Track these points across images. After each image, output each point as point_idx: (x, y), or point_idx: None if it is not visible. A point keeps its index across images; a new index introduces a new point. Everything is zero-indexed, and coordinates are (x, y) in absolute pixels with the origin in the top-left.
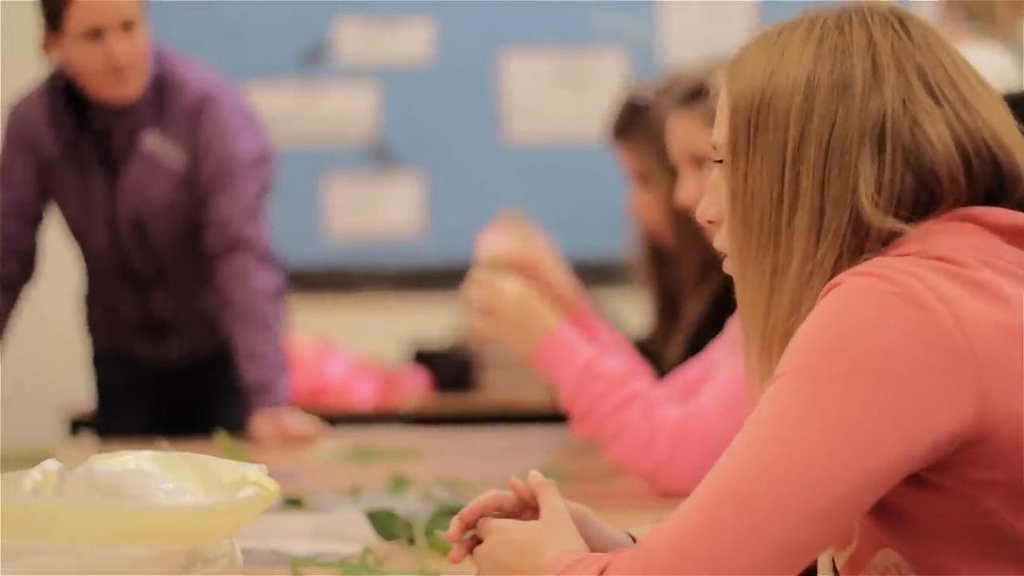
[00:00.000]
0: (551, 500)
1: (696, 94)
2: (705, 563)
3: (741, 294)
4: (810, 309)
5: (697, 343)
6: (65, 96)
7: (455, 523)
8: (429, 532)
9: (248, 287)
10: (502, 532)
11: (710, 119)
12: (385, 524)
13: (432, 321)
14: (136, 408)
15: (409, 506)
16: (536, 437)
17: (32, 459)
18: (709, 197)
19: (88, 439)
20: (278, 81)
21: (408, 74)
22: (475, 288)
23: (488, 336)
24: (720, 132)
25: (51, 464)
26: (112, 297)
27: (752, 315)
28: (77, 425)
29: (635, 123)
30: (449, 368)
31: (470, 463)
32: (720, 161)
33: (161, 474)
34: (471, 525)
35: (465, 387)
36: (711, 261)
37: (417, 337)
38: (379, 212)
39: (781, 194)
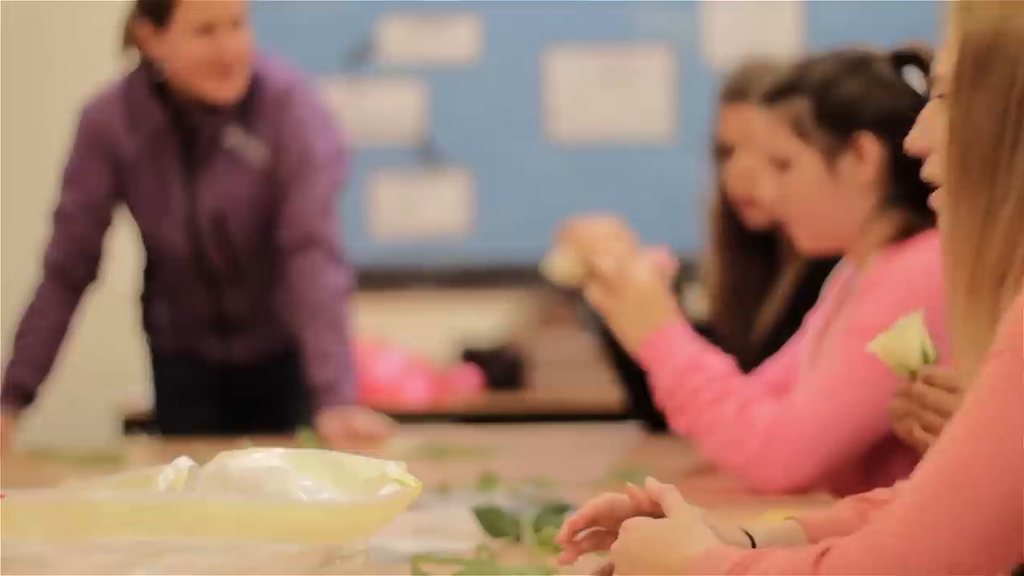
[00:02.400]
0: (677, 500)
1: (780, 93)
2: (931, 547)
3: (951, 231)
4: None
5: (773, 341)
6: (146, 95)
7: (566, 527)
8: (538, 529)
9: (319, 285)
10: (637, 528)
11: (793, 122)
12: (493, 521)
13: (480, 320)
14: (198, 407)
15: (502, 503)
16: (603, 435)
17: (103, 460)
18: (920, 127)
19: (147, 439)
20: (324, 80)
21: (453, 73)
22: (607, 261)
23: (602, 310)
24: (945, 65)
25: (183, 461)
26: (183, 297)
27: (961, 253)
28: (130, 425)
29: (751, 91)
30: (499, 367)
31: (545, 461)
32: (940, 96)
33: (297, 471)
34: (581, 529)
35: (515, 385)
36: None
37: (465, 336)
38: (425, 211)
39: (1002, 134)
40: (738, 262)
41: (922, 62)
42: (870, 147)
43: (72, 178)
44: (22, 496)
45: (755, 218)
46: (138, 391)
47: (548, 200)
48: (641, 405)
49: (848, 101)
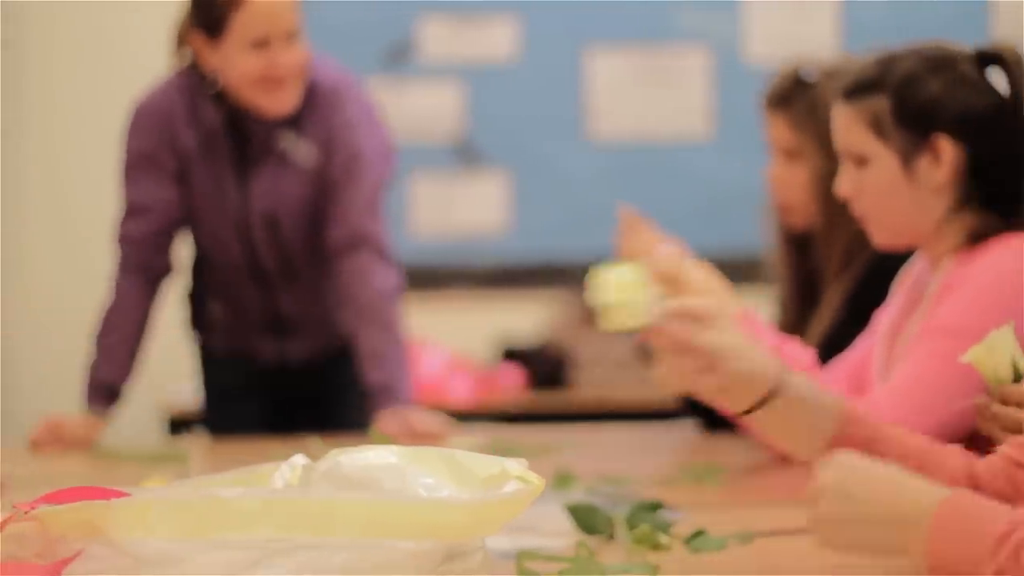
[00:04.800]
0: None
1: (860, 90)
2: None
3: None
4: None
5: (836, 338)
6: (203, 94)
7: None
8: (632, 526)
9: (369, 285)
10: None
11: (872, 119)
12: (587, 519)
13: (521, 319)
14: (248, 407)
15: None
16: (662, 433)
17: (168, 459)
18: None
19: (197, 438)
20: (363, 80)
21: (493, 72)
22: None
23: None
24: None
25: (298, 459)
26: (237, 296)
27: None
28: (176, 424)
29: (797, 96)
30: (541, 365)
31: (613, 459)
32: None
33: (415, 469)
34: None
35: (558, 384)
36: (857, 245)
37: (506, 335)
38: (465, 210)
39: None
40: (804, 257)
41: (1006, 63)
42: (947, 149)
43: (142, 171)
44: (149, 494)
45: (793, 223)
46: (183, 390)
47: (587, 199)
48: (698, 403)
49: (928, 101)
